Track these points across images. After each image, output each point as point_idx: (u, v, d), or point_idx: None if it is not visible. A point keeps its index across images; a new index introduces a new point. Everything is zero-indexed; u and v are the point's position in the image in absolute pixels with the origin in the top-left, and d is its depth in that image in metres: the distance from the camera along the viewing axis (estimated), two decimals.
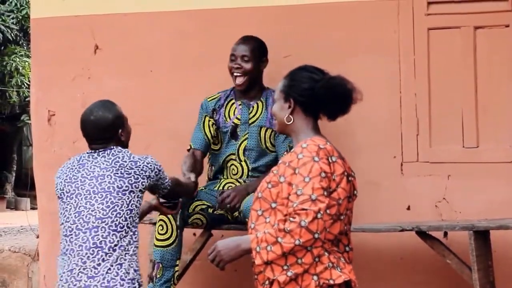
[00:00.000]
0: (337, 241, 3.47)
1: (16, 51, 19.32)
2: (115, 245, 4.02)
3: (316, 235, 3.31)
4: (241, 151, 5.07)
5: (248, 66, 5.03)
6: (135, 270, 4.05)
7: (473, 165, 5.10)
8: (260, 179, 4.51)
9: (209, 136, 5.12)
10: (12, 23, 19.18)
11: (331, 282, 3.37)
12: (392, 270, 5.16)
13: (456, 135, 5.14)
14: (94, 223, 4.04)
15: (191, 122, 5.29)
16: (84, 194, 4.11)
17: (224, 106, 5.15)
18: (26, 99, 18.56)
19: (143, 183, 4.16)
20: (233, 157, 5.08)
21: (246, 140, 5.06)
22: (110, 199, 4.07)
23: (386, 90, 5.23)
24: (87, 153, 4.23)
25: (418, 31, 5.19)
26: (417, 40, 5.20)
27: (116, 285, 3.96)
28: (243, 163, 5.06)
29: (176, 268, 4.84)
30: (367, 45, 5.26)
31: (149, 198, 4.45)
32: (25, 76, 18.87)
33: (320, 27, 5.33)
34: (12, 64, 19.05)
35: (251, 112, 5.08)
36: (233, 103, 5.14)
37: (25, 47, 19.32)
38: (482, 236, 4.54)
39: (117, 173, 4.11)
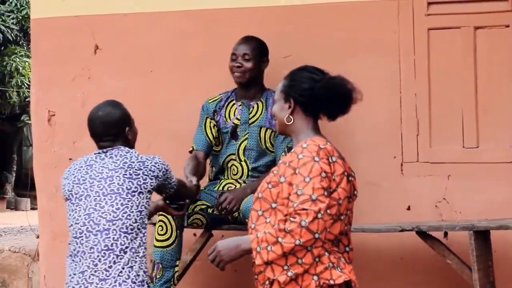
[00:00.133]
0: (337, 241, 3.47)
1: (16, 51, 19.33)
2: (126, 247, 4.03)
3: (316, 235, 3.31)
4: (241, 151, 5.07)
5: (249, 65, 5.04)
6: (144, 272, 4.08)
7: (473, 165, 5.10)
8: (259, 180, 4.53)
9: (211, 137, 5.12)
10: (12, 23, 19.19)
11: (331, 282, 3.37)
12: (392, 270, 5.16)
13: (456, 135, 5.14)
14: (105, 225, 4.05)
15: (191, 122, 5.29)
16: (94, 196, 4.11)
17: (225, 107, 5.15)
18: (26, 99, 18.56)
19: (152, 184, 4.17)
20: (233, 157, 5.09)
21: (246, 140, 5.06)
22: (120, 200, 4.08)
23: (386, 90, 5.23)
24: (95, 153, 4.25)
25: (418, 31, 5.19)
26: (417, 40, 5.20)
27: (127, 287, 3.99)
28: (243, 163, 5.07)
29: (176, 269, 4.84)
30: (367, 45, 5.26)
31: (154, 198, 4.45)
32: (25, 76, 18.87)
33: (320, 27, 5.33)
34: (12, 64, 19.06)
35: (251, 112, 5.09)
36: (233, 104, 5.15)
37: (25, 47, 19.33)
38: (482, 236, 4.54)
39: (126, 174, 4.12)
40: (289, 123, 3.57)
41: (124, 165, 4.14)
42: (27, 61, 18.59)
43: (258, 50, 5.07)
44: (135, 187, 4.12)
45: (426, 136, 5.17)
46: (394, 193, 5.18)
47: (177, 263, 4.84)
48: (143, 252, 4.10)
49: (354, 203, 3.55)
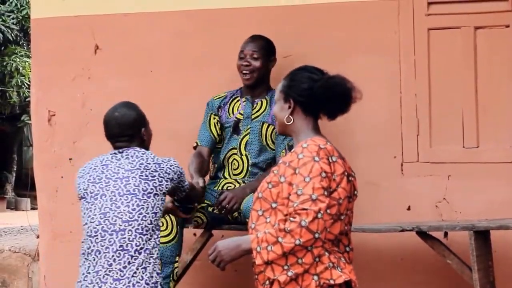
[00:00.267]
0: (338, 241, 3.48)
1: (16, 51, 19.33)
2: (141, 248, 4.07)
3: (316, 235, 3.31)
4: (242, 145, 5.08)
5: (257, 63, 5.05)
6: (157, 274, 4.12)
7: (473, 165, 5.10)
8: (259, 180, 4.54)
9: (215, 133, 5.15)
10: (13, 23, 19.19)
11: (332, 282, 3.37)
12: (393, 270, 5.16)
13: (457, 135, 5.14)
14: (121, 225, 4.08)
15: (191, 122, 5.30)
16: (109, 196, 4.14)
17: (229, 103, 5.18)
18: (26, 99, 18.57)
19: (167, 186, 4.21)
20: (235, 151, 5.10)
21: (248, 135, 5.08)
22: (136, 201, 4.11)
23: (387, 90, 5.23)
24: (110, 154, 4.27)
25: (418, 31, 5.19)
26: (417, 40, 5.20)
27: None
28: (244, 157, 5.07)
29: (176, 265, 4.84)
30: (368, 45, 5.26)
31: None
32: (25, 76, 18.88)
33: (320, 27, 5.33)
34: (13, 64, 19.06)
35: (254, 108, 5.11)
36: (237, 100, 5.17)
37: (25, 47, 19.33)
38: (482, 236, 4.54)
39: (142, 176, 4.15)
40: (289, 123, 3.57)
41: (140, 166, 4.18)
42: (27, 61, 18.60)
43: (266, 49, 5.09)
44: (151, 189, 4.15)
45: (426, 136, 5.17)
46: (394, 193, 5.18)
47: (177, 259, 4.84)
48: (157, 254, 4.14)
49: (354, 203, 3.56)
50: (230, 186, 5.05)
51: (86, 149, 5.67)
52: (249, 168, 5.07)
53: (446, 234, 4.96)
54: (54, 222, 5.73)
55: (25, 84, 18.92)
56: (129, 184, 4.14)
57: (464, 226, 4.53)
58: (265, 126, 5.07)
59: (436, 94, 5.17)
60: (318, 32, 5.33)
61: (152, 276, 4.07)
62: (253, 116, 5.10)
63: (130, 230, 4.08)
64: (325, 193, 3.36)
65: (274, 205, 3.44)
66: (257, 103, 5.12)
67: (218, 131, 5.16)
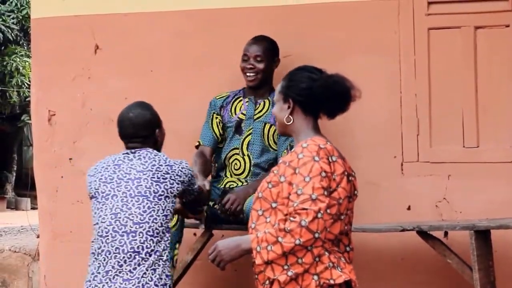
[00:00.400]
0: (338, 241, 3.48)
1: (16, 51, 19.34)
2: (152, 250, 4.10)
3: (316, 235, 3.31)
4: (244, 146, 5.08)
5: (261, 66, 5.05)
6: (167, 276, 4.14)
7: (474, 165, 5.10)
8: (260, 180, 4.54)
9: (217, 133, 5.15)
10: (13, 23, 19.20)
11: (332, 282, 3.37)
12: (393, 270, 5.16)
13: (457, 135, 5.14)
14: (132, 227, 4.10)
15: (191, 122, 5.30)
16: (121, 196, 4.16)
17: (231, 103, 5.18)
18: (27, 99, 18.58)
19: (178, 188, 4.23)
20: (237, 151, 5.10)
21: (250, 135, 5.08)
22: (147, 203, 4.13)
23: (387, 90, 5.23)
24: (123, 153, 4.29)
25: (418, 31, 5.19)
26: (417, 40, 5.20)
27: None
28: (246, 157, 5.07)
29: (176, 252, 4.84)
30: (368, 45, 5.26)
31: None
32: (26, 76, 18.89)
33: (320, 27, 5.33)
34: (13, 64, 19.07)
35: (257, 108, 5.11)
36: (240, 100, 5.17)
37: (26, 47, 19.34)
38: (482, 235, 4.54)
39: (154, 178, 4.17)
40: (289, 123, 3.57)
41: (152, 168, 4.19)
42: (27, 61, 18.61)
43: (270, 51, 5.09)
44: (162, 191, 4.17)
45: (426, 136, 5.17)
46: (395, 193, 5.18)
47: (177, 246, 4.84)
48: (167, 256, 4.16)
49: (354, 203, 3.56)
50: (233, 185, 5.05)
51: (86, 149, 5.67)
52: (251, 168, 5.07)
53: (446, 233, 4.96)
54: (54, 222, 5.73)
55: (25, 84, 18.92)
56: (141, 185, 4.16)
57: (464, 225, 4.53)
58: (267, 126, 5.07)
59: (436, 94, 5.17)
60: (318, 32, 5.33)
61: (161, 278, 4.10)
62: (255, 117, 5.10)
63: (141, 232, 4.10)
64: (325, 193, 3.36)
65: (274, 204, 3.44)
66: (259, 104, 5.12)
67: (220, 131, 5.17)
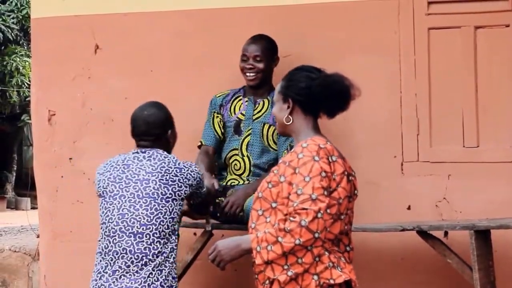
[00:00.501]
0: (338, 240, 3.48)
1: (16, 51, 19.34)
2: (159, 252, 4.14)
3: (316, 235, 3.32)
4: (244, 146, 5.08)
5: (260, 65, 5.05)
6: (173, 278, 4.20)
7: (474, 165, 5.10)
8: (261, 180, 4.54)
9: (219, 132, 5.15)
10: (13, 22, 19.20)
11: (332, 281, 3.37)
12: (393, 270, 5.15)
13: (457, 135, 5.14)
14: (139, 228, 4.14)
15: (191, 121, 5.29)
16: (128, 197, 4.18)
17: (231, 102, 5.18)
18: (27, 99, 18.58)
19: (185, 191, 4.26)
20: (236, 152, 5.10)
21: (250, 136, 5.08)
22: (154, 205, 4.16)
23: (387, 90, 5.23)
24: (132, 153, 4.32)
25: (418, 31, 5.19)
26: (417, 40, 5.20)
27: None
28: (245, 158, 5.07)
29: None
30: (367, 45, 5.26)
31: None
32: (26, 76, 18.88)
33: (320, 27, 5.33)
34: (13, 64, 19.06)
35: (256, 109, 5.10)
36: (240, 99, 5.17)
37: (26, 47, 19.34)
38: (482, 235, 4.54)
39: (162, 180, 4.19)
40: (289, 123, 3.57)
41: (161, 170, 4.21)
42: (27, 61, 18.61)
43: (269, 50, 5.08)
44: (170, 193, 4.19)
45: (427, 136, 5.17)
46: (395, 193, 5.18)
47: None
48: (173, 258, 4.20)
49: (354, 203, 3.56)
50: (234, 182, 5.05)
51: (86, 148, 5.67)
52: (251, 168, 5.06)
53: (446, 233, 4.96)
54: (54, 221, 5.73)
55: (25, 84, 18.92)
56: (149, 187, 4.18)
57: (464, 225, 4.52)
58: (266, 127, 5.06)
59: (436, 94, 5.17)
60: (318, 31, 5.33)
61: (167, 279, 4.14)
62: (254, 117, 5.10)
63: (148, 234, 4.14)
64: (325, 192, 3.36)
65: (274, 204, 3.44)
66: (259, 103, 5.12)
67: (222, 130, 5.17)
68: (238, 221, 4.89)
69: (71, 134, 5.70)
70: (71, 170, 5.69)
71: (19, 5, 19.30)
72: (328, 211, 3.36)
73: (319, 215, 3.31)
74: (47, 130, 5.77)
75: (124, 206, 4.18)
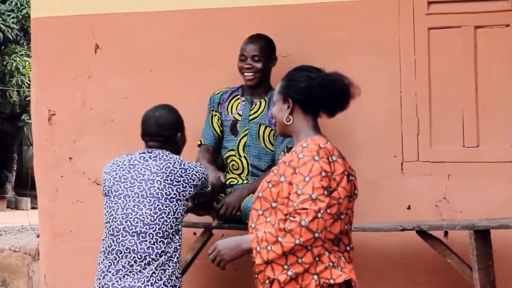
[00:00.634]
0: (338, 240, 3.48)
1: (16, 50, 19.34)
2: (162, 252, 4.16)
3: (316, 235, 3.31)
4: (241, 147, 5.08)
5: (259, 65, 5.04)
6: (177, 277, 4.23)
7: (474, 164, 5.10)
8: (259, 180, 4.55)
9: (218, 131, 5.16)
10: (13, 22, 19.20)
11: (332, 281, 3.37)
12: (393, 270, 5.15)
13: (457, 134, 5.14)
14: (142, 228, 4.16)
15: (191, 121, 5.28)
16: (133, 197, 4.21)
17: (228, 100, 5.17)
18: (27, 99, 18.58)
19: (190, 192, 4.29)
20: (233, 152, 5.09)
21: (246, 136, 5.07)
22: (158, 205, 4.18)
23: (387, 89, 5.23)
24: (139, 153, 4.35)
25: (418, 31, 5.19)
26: (417, 40, 5.20)
27: None
28: (243, 159, 5.07)
29: None
30: (367, 44, 5.26)
31: None
32: (26, 76, 18.89)
33: (320, 27, 5.33)
34: (13, 63, 19.06)
35: (252, 109, 5.10)
36: (237, 99, 5.16)
37: (26, 47, 19.34)
38: (482, 235, 4.54)
39: (167, 180, 4.22)
40: (289, 123, 3.57)
41: (167, 170, 4.24)
42: (27, 61, 18.61)
43: (267, 49, 5.08)
44: (174, 194, 4.22)
45: (427, 136, 5.17)
46: (395, 193, 5.18)
47: None
48: (177, 258, 4.23)
49: (355, 202, 3.55)
50: (234, 182, 5.05)
51: (86, 148, 5.67)
52: (250, 168, 5.06)
53: (446, 233, 4.96)
54: (54, 221, 5.73)
55: (25, 84, 18.92)
56: (153, 187, 4.21)
57: (464, 225, 4.52)
58: (262, 128, 5.06)
59: (436, 94, 5.17)
60: (318, 31, 5.33)
61: (171, 279, 4.17)
62: (250, 117, 5.09)
63: (151, 233, 4.16)
64: (325, 192, 3.36)
65: (274, 204, 3.44)
66: (255, 104, 5.11)
67: (221, 128, 5.17)
68: (236, 220, 4.89)
69: (71, 134, 5.70)
70: (71, 169, 5.69)
71: (19, 5, 19.30)
72: (328, 211, 3.36)
73: (319, 215, 3.31)
74: (47, 129, 5.77)
75: (128, 205, 4.21)
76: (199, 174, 4.34)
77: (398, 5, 5.22)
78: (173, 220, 4.20)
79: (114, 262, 4.17)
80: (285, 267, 3.36)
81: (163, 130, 4.38)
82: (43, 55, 5.83)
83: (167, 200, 4.20)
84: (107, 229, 4.25)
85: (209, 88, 5.32)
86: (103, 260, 4.23)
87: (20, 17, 19.23)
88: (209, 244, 4.99)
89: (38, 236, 6.28)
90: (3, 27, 19.00)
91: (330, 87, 3.51)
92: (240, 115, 5.11)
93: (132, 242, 4.15)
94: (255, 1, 5.42)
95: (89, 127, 5.67)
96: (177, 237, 4.22)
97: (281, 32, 5.27)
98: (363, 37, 5.26)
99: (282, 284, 3.37)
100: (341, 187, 3.43)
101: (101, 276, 4.19)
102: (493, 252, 4.68)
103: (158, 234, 4.15)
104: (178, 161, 4.30)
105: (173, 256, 4.19)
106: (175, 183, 4.23)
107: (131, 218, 4.19)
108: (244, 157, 5.06)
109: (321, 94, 3.51)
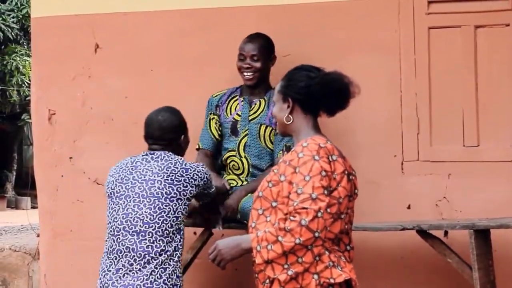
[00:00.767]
0: (338, 240, 3.48)
1: (16, 50, 19.35)
2: (162, 250, 4.17)
3: (316, 234, 3.32)
4: (241, 148, 5.07)
5: (257, 64, 5.04)
6: (177, 277, 4.23)
7: (474, 164, 5.10)
8: (258, 181, 4.55)
9: (216, 135, 5.14)
10: (13, 22, 19.21)
11: (332, 281, 3.37)
12: (393, 269, 5.15)
13: (457, 134, 5.13)
14: (142, 227, 4.18)
15: (191, 121, 5.27)
16: (133, 197, 4.24)
17: (227, 102, 5.17)
18: (27, 98, 18.59)
19: (191, 191, 4.29)
20: (233, 153, 5.09)
21: (247, 137, 5.07)
22: (158, 204, 4.20)
23: (387, 89, 5.23)
24: (142, 155, 4.38)
25: (418, 30, 5.19)
26: (417, 39, 5.19)
27: (158, 287, 4.12)
28: (243, 159, 5.06)
29: None
30: (368, 44, 5.26)
31: None
32: (26, 75, 18.89)
33: (320, 26, 5.33)
34: (13, 63, 19.07)
35: (252, 109, 5.09)
36: (236, 99, 5.16)
37: (26, 46, 19.35)
38: (482, 235, 4.54)
39: (168, 180, 4.24)
40: (289, 123, 3.57)
41: (167, 170, 4.26)
42: (27, 60, 18.61)
43: (266, 49, 5.07)
44: (175, 193, 4.24)
45: (427, 135, 5.17)
46: (395, 192, 5.18)
47: None
48: (178, 257, 4.24)
49: (355, 202, 3.55)
50: (232, 183, 5.05)
51: (86, 148, 5.67)
52: (250, 169, 5.05)
53: (446, 233, 4.96)
54: (54, 221, 5.73)
55: (25, 83, 18.93)
56: (154, 187, 4.23)
57: (464, 225, 4.52)
58: (263, 127, 5.05)
59: (436, 93, 5.17)
60: (317, 31, 5.33)
61: (171, 278, 4.17)
62: (250, 118, 5.08)
63: (150, 232, 4.17)
64: (325, 192, 3.36)
65: (274, 204, 3.44)
66: (255, 104, 5.10)
67: (219, 131, 5.16)
68: (236, 220, 4.89)
69: (71, 133, 5.70)
70: (71, 169, 5.69)
71: (19, 4, 19.31)
72: (328, 210, 3.36)
73: (319, 214, 3.31)
74: (47, 129, 5.77)
75: (129, 205, 4.23)
76: (201, 174, 4.35)
77: (398, 5, 5.21)
78: (173, 219, 4.20)
79: (114, 262, 4.19)
80: (285, 266, 3.36)
81: (166, 133, 4.41)
82: (43, 55, 5.83)
83: (167, 199, 4.21)
84: (108, 229, 4.29)
85: (209, 88, 5.32)
86: (105, 260, 4.26)
87: (20, 16, 19.24)
88: (209, 243, 4.99)
89: (38, 236, 6.29)
90: (3, 26, 19.00)
91: (330, 86, 3.51)
92: (239, 115, 5.11)
93: (132, 241, 4.17)
94: (254, 1, 5.42)
95: (89, 127, 5.67)
96: (178, 237, 4.22)
97: (281, 32, 5.27)
98: (363, 36, 5.26)
99: (282, 284, 3.37)
100: (341, 186, 3.43)
101: (102, 275, 4.23)
102: (493, 252, 4.68)
103: (158, 233, 4.16)
104: (179, 161, 4.32)
105: (174, 255, 4.19)
106: (175, 182, 4.25)
107: (131, 217, 4.21)
108: (245, 157, 5.06)
109: (321, 93, 3.52)
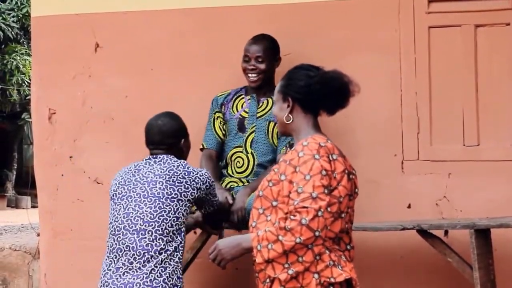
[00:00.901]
0: (338, 239, 3.48)
1: (16, 49, 19.36)
2: (162, 249, 4.18)
3: (316, 233, 3.32)
4: (248, 143, 5.06)
5: (262, 66, 5.03)
6: (178, 277, 4.24)
7: (474, 163, 5.09)
8: (257, 180, 4.54)
9: (220, 134, 5.14)
10: (13, 21, 19.22)
11: (332, 280, 3.37)
12: (393, 269, 5.15)
13: (457, 133, 5.13)
14: (142, 226, 4.20)
15: (192, 120, 5.28)
16: (135, 197, 4.27)
17: (232, 100, 5.17)
18: (27, 98, 18.60)
19: (192, 194, 4.30)
20: (240, 149, 5.08)
21: (254, 133, 5.06)
22: (159, 204, 4.22)
23: (387, 88, 5.22)
24: (145, 159, 4.41)
25: (418, 30, 5.19)
26: (417, 39, 5.19)
27: (158, 286, 4.12)
28: (249, 155, 5.05)
29: None
30: (368, 43, 5.26)
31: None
32: (26, 75, 18.90)
33: (321, 26, 5.33)
34: (13, 62, 19.08)
35: (260, 107, 5.09)
36: (242, 98, 5.15)
37: (26, 46, 19.36)
38: (483, 234, 4.54)
39: (169, 181, 4.27)
40: (289, 122, 3.57)
41: (170, 172, 4.29)
42: (27, 59, 18.62)
43: (271, 50, 5.06)
44: (175, 194, 4.25)
45: (427, 134, 5.17)
46: (395, 191, 5.18)
47: None
48: (178, 258, 4.24)
49: (355, 201, 3.55)
50: (234, 185, 5.04)
51: (87, 147, 5.67)
52: (255, 167, 5.03)
53: (446, 232, 4.95)
54: (54, 220, 5.73)
55: (26, 82, 18.94)
56: (155, 187, 4.25)
57: (464, 224, 4.52)
58: (271, 124, 5.04)
59: (437, 92, 5.17)
60: (318, 30, 5.33)
61: (172, 277, 4.18)
62: (258, 114, 5.08)
63: (150, 230, 4.19)
64: (326, 191, 3.36)
65: (274, 203, 3.44)
66: (262, 102, 5.10)
67: (223, 131, 5.15)
68: (246, 222, 4.88)
69: (71, 133, 5.70)
70: (72, 168, 5.69)
71: (19, 4, 19.32)
72: (329, 209, 3.36)
73: (319, 213, 3.31)
74: (48, 128, 5.77)
75: (130, 205, 4.26)
76: (203, 178, 4.37)
77: (398, 4, 5.21)
78: (174, 219, 4.21)
79: (114, 261, 4.21)
80: (286, 265, 3.36)
81: (166, 138, 4.42)
82: (43, 54, 5.83)
83: (168, 200, 4.23)
84: (110, 229, 4.31)
85: (209, 87, 5.32)
86: (106, 259, 4.28)
87: (20, 16, 19.25)
88: (209, 243, 4.98)
89: (38, 235, 6.29)
90: (3, 26, 19.01)
91: (330, 85, 3.52)
92: (246, 112, 5.10)
93: (132, 240, 4.18)
94: (255, 0, 5.42)
95: (89, 126, 5.67)
96: (179, 238, 4.23)
97: (281, 31, 5.27)
98: (364, 36, 5.26)
99: (283, 283, 3.37)
100: (341, 185, 3.43)
101: (102, 274, 4.25)
102: (493, 251, 4.68)
103: (158, 232, 4.17)
104: (182, 164, 4.35)
105: (174, 256, 4.19)
106: (177, 184, 4.27)
107: (131, 217, 4.23)
108: (251, 153, 5.05)
109: (321, 92, 3.52)
